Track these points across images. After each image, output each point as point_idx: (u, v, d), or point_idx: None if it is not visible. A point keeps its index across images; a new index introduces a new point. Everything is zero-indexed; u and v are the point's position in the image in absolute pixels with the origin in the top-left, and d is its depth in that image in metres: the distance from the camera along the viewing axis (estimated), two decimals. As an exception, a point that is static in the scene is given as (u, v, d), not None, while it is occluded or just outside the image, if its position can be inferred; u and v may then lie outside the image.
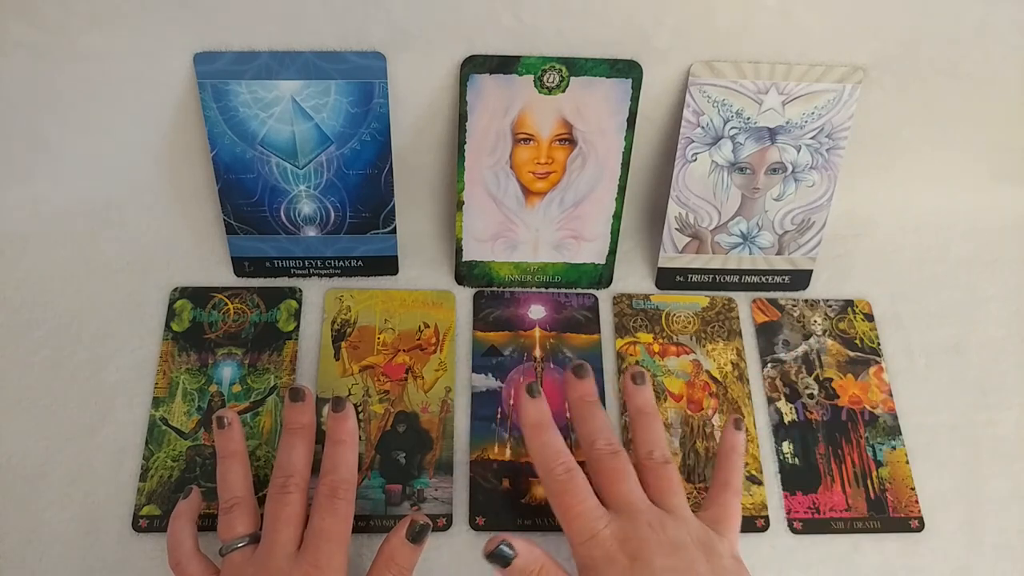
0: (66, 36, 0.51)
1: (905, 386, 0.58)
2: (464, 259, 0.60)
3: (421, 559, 0.45)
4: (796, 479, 0.54)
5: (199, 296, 0.58)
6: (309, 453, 0.48)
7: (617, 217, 0.58)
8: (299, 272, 0.60)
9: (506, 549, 0.41)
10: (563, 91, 0.53)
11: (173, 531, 0.46)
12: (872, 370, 0.59)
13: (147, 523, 0.50)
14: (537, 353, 0.58)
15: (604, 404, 0.56)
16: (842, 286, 0.63)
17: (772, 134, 0.56)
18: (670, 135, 0.58)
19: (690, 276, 0.61)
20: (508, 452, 0.54)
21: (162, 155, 0.58)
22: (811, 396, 0.57)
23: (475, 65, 0.52)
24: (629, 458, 0.46)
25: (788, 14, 0.52)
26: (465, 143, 0.55)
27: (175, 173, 0.59)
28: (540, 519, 0.52)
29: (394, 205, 0.57)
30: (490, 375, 0.57)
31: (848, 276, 0.63)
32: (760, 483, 0.54)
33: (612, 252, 0.60)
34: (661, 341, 0.59)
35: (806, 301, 0.61)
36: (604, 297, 0.61)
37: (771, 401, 0.57)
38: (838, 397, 0.57)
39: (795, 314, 0.61)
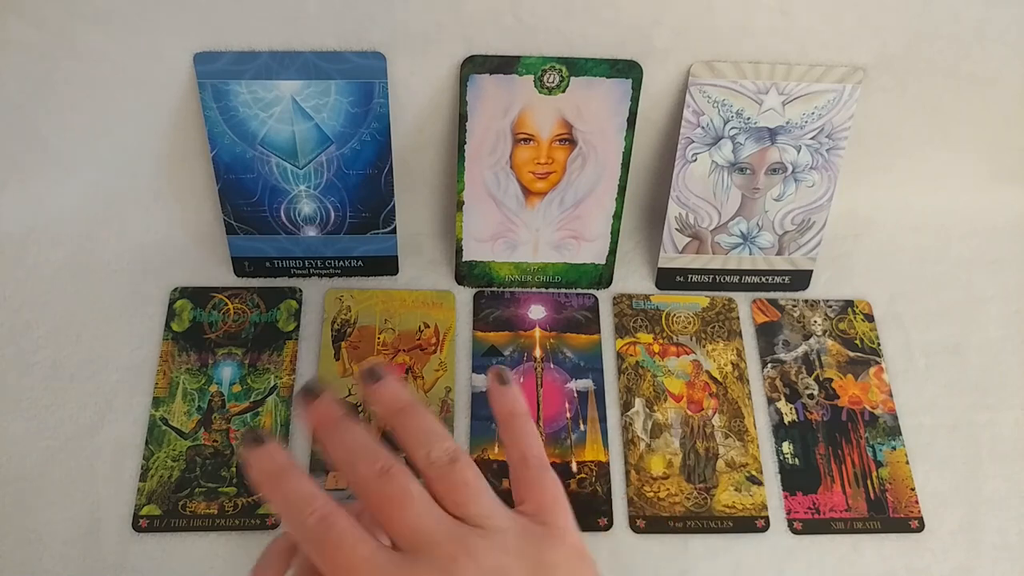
0: (66, 36, 0.51)
1: (905, 386, 0.58)
2: (464, 259, 0.60)
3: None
4: (796, 479, 0.54)
5: (199, 296, 0.58)
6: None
7: (617, 217, 0.58)
8: (299, 272, 0.60)
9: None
10: (563, 91, 0.53)
11: (262, 561, 0.37)
12: (872, 370, 0.59)
13: (147, 523, 0.50)
14: (537, 353, 0.58)
15: (604, 404, 0.56)
16: (842, 286, 0.63)
17: (772, 134, 0.56)
18: (670, 135, 0.58)
19: (690, 276, 0.61)
20: (508, 452, 0.54)
21: (162, 155, 0.58)
22: (811, 396, 0.57)
23: (475, 65, 0.52)
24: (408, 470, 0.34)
25: (788, 14, 0.52)
26: (465, 143, 0.55)
27: (175, 173, 0.59)
28: (540, 519, 0.52)
29: (394, 205, 0.57)
30: (490, 375, 0.56)
31: (848, 276, 0.63)
32: (760, 483, 0.54)
33: (612, 252, 0.60)
34: (661, 341, 0.59)
35: (806, 301, 0.61)
36: (604, 297, 0.61)
37: (771, 401, 0.57)
38: (838, 397, 0.57)
39: (795, 314, 0.61)
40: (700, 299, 0.61)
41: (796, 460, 0.55)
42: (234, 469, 0.52)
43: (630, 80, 0.53)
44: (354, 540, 0.31)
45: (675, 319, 0.60)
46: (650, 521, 0.52)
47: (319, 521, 0.32)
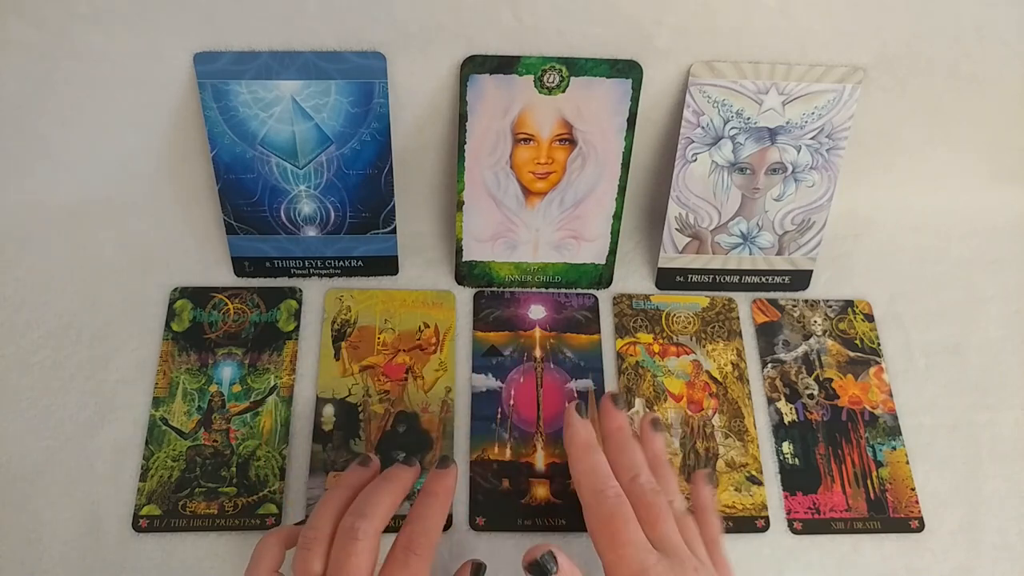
0: (66, 36, 0.51)
1: (905, 386, 0.58)
2: (464, 259, 0.60)
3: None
4: (796, 479, 0.54)
5: (199, 296, 0.58)
6: (395, 505, 0.43)
7: (617, 217, 0.58)
8: (299, 272, 0.60)
9: (550, 562, 0.40)
10: (563, 91, 0.53)
11: (259, 548, 0.43)
12: (872, 370, 0.59)
13: (147, 523, 0.50)
14: (537, 353, 0.58)
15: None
16: (842, 286, 0.63)
17: (772, 134, 0.56)
18: (670, 135, 0.58)
19: (690, 276, 0.61)
20: (508, 452, 0.54)
21: (162, 155, 0.58)
22: (811, 396, 0.57)
23: (475, 65, 0.52)
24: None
25: (788, 14, 0.52)
26: (465, 143, 0.55)
27: (175, 173, 0.59)
28: (540, 519, 0.52)
29: (394, 205, 0.57)
30: (490, 375, 0.57)
31: (848, 276, 0.63)
32: (760, 483, 0.54)
33: (612, 252, 0.60)
34: (661, 341, 0.59)
35: (806, 301, 0.61)
36: (604, 297, 0.61)
37: (771, 401, 0.57)
38: (838, 397, 0.57)
39: (795, 314, 0.61)
40: (700, 299, 0.61)
41: (796, 460, 0.55)
42: (234, 469, 0.52)
43: (630, 80, 0.53)
44: (635, 524, 0.41)
45: (675, 319, 0.60)
46: (650, 521, 0.52)
47: (616, 497, 0.42)
